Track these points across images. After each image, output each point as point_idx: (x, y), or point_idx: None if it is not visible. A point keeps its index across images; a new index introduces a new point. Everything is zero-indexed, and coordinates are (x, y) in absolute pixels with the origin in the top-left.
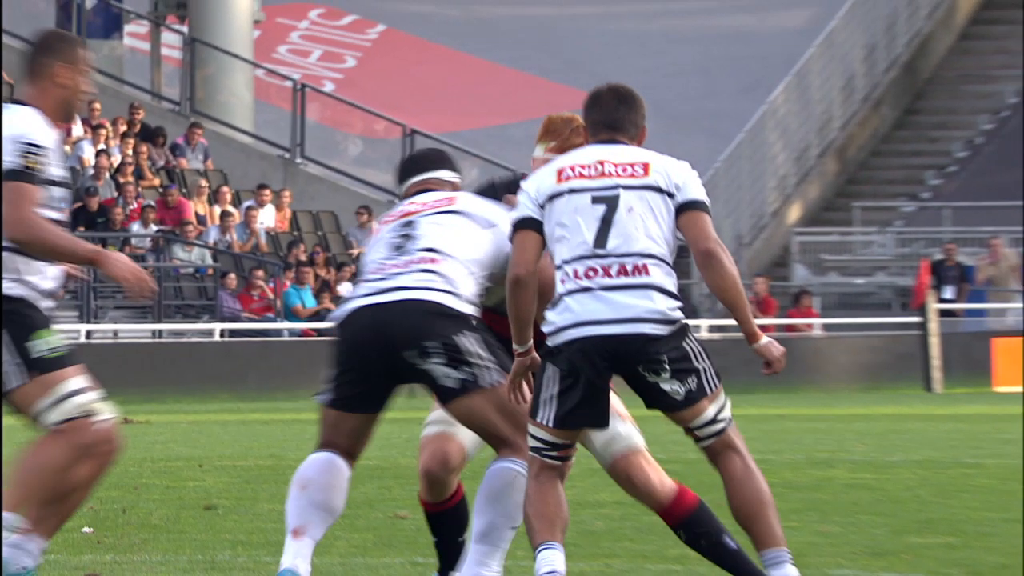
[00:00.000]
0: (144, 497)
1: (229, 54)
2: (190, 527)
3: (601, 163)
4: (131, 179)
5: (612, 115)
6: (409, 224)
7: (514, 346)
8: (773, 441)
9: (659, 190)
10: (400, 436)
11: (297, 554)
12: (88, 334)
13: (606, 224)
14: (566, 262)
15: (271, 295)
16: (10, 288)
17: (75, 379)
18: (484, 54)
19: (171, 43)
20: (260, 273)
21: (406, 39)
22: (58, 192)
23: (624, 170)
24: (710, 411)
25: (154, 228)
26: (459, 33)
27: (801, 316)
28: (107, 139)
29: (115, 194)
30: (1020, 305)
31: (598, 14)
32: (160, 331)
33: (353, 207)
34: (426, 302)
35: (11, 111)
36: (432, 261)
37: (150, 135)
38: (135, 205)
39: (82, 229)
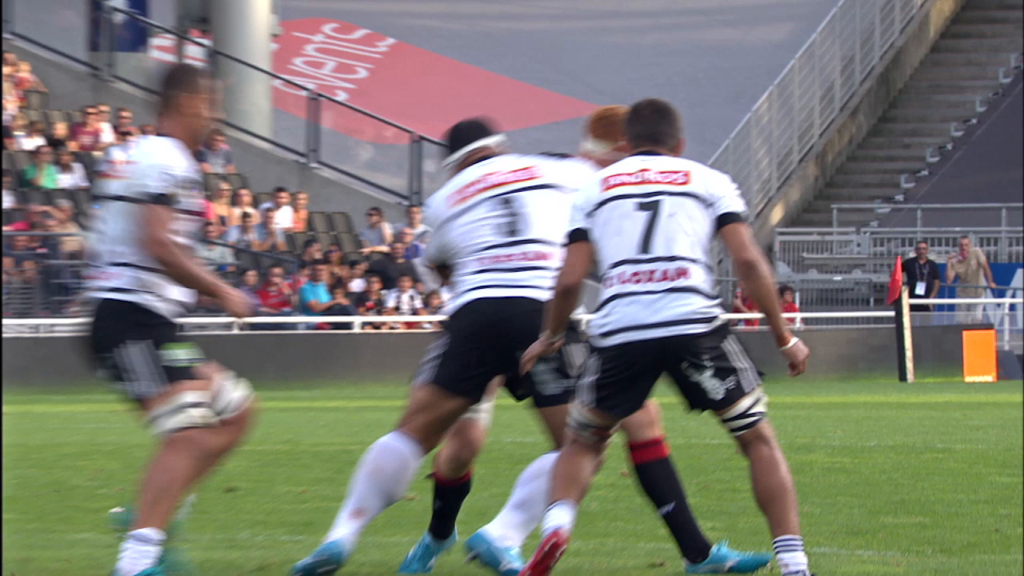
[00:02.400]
0: None
1: (249, 66)
2: (212, 508)
3: (644, 171)
4: None
5: (652, 128)
6: (509, 201)
7: (545, 334)
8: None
9: (698, 198)
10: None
11: (350, 531)
12: None
13: (649, 229)
14: (613, 266)
15: (288, 291)
16: (148, 301)
17: (195, 392)
18: (487, 65)
19: (194, 55)
20: (278, 270)
21: (414, 52)
22: (191, 222)
23: (666, 177)
24: (744, 404)
25: None
26: (464, 46)
27: (783, 311)
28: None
29: None
30: (987, 300)
31: (593, 28)
32: (184, 325)
33: (365, 208)
34: (544, 303)
35: (151, 142)
36: (545, 258)
37: None
38: None
39: None
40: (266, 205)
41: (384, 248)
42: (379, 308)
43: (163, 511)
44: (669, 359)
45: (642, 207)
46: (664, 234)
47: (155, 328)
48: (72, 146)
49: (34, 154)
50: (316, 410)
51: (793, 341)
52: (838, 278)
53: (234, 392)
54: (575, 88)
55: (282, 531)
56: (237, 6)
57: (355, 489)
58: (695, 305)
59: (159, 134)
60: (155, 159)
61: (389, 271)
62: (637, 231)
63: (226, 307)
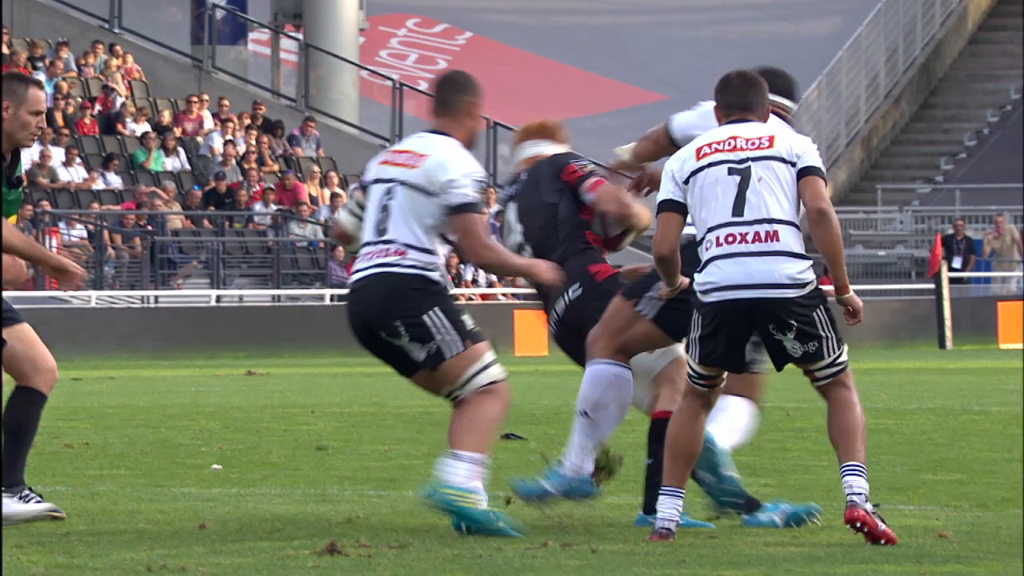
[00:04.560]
0: (265, 439)
1: (338, 57)
2: (304, 465)
3: (734, 138)
4: (254, 165)
5: (743, 97)
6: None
7: (665, 288)
8: (807, 391)
9: (783, 160)
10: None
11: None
12: (218, 299)
13: (741, 194)
14: (710, 229)
15: None
16: (435, 276)
17: (490, 350)
18: (556, 57)
19: (289, 48)
20: None
21: (490, 44)
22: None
23: (753, 144)
24: (824, 363)
25: (273, 207)
26: (535, 39)
27: (830, 283)
28: (234, 131)
29: (240, 178)
30: (1020, 273)
31: (655, 22)
32: (279, 296)
33: None
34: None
35: (443, 142)
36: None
37: (270, 128)
38: (257, 188)
39: (213, 208)
40: (354, 186)
41: None
42: (458, 280)
43: (480, 440)
44: (760, 319)
45: (733, 172)
46: (755, 197)
47: (449, 297)
48: (176, 132)
49: (142, 139)
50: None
51: (851, 292)
52: (882, 253)
53: None
54: (638, 78)
55: (368, 487)
56: (328, 2)
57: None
58: (788, 269)
59: (440, 134)
60: (461, 165)
61: None
62: (730, 196)
63: (541, 279)
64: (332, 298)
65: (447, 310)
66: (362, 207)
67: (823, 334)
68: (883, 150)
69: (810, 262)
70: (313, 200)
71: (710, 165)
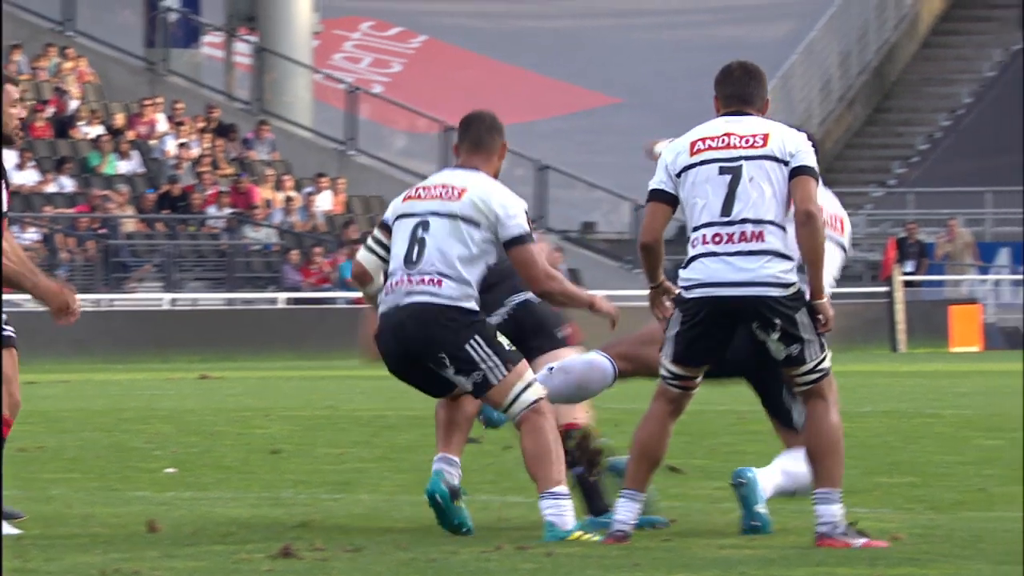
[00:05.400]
0: (218, 443)
1: (292, 61)
2: (258, 468)
3: (728, 135)
4: (208, 169)
5: (743, 89)
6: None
7: (649, 283)
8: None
9: (775, 159)
10: None
11: None
12: (172, 302)
13: (731, 193)
14: (696, 228)
15: (328, 268)
16: (472, 305)
17: (529, 370)
18: (512, 60)
19: (242, 51)
20: (319, 249)
21: (445, 48)
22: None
23: (747, 142)
24: (805, 368)
25: (227, 211)
26: (491, 42)
27: None
28: (188, 134)
29: (194, 181)
30: (973, 277)
31: (612, 26)
32: (233, 299)
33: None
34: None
35: (478, 177)
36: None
37: (224, 131)
38: (211, 191)
39: (167, 211)
40: (308, 189)
41: None
42: None
43: (558, 469)
44: (742, 317)
45: (724, 171)
46: (744, 198)
47: (485, 323)
48: (130, 135)
49: (95, 142)
50: (354, 378)
51: (826, 298)
52: None
53: None
54: (594, 81)
55: (323, 490)
56: (282, 5)
57: None
58: (772, 268)
59: (471, 169)
60: (509, 197)
61: None
62: (720, 195)
63: (602, 312)
64: (286, 301)
65: (486, 337)
66: (383, 246)
67: (805, 337)
68: (836, 154)
69: (794, 263)
70: (267, 204)
71: (702, 163)
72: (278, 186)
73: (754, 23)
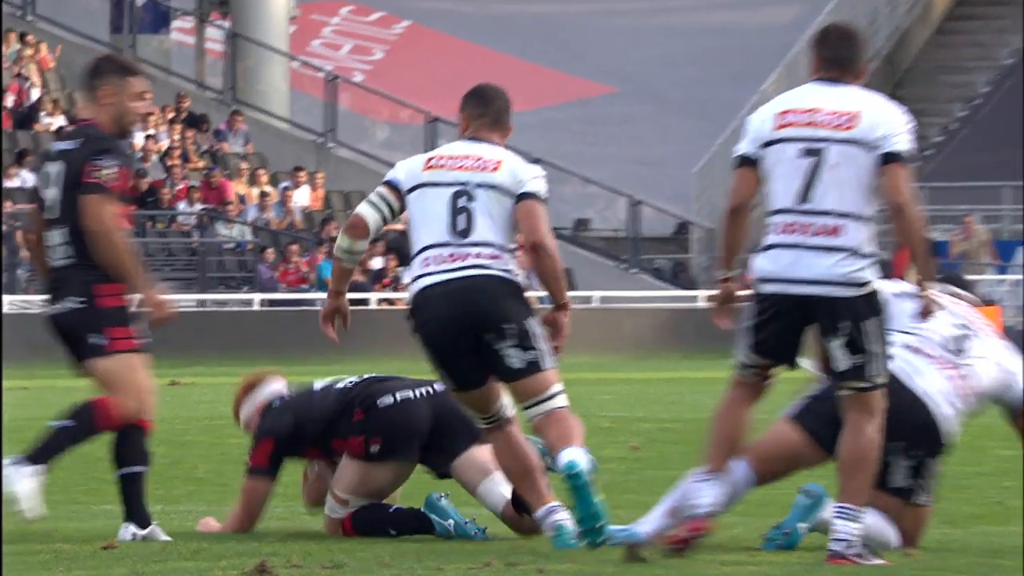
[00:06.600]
0: (190, 452)
1: (267, 47)
2: (232, 480)
3: (814, 111)
4: (178, 162)
5: (839, 52)
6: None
7: (720, 272)
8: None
9: (863, 144)
10: None
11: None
12: (139, 303)
13: (810, 179)
14: (776, 212)
15: (305, 268)
16: (518, 277)
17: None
18: (499, 47)
19: (214, 37)
20: (295, 248)
21: (429, 34)
22: None
23: (833, 122)
24: (862, 385)
25: (198, 206)
26: (475, 28)
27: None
28: (156, 125)
29: (163, 175)
30: (990, 277)
31: (600, 10)
32: (204, 301)
33: None
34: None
35: (502, 151)
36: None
37: (195, 122)
38: (181, 185)
39: (134, 208)
40: (284, 184)
41: (400, 227)
42: (395, 285)
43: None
44: (809, 315)
45: (807, 154)
46: (824, 186)
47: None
48: None
49: (58, 133)
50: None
51: (929, 288)
52: None
53: None
54: (581, 68)
55: (299, 502)
56: None
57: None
58: (844, 267)
59: (490, 142)
60: (536, 171)
61: (405, 249)
62: (799, 180)
63: (555, 323)
64: (261, 303)
65: (537, 323)
66: (390, 206)
67: (872, 348)
68: None
69: (870, 261)
70: (241, 200)
71: (785, 140)
72: (252, 180)
73: (757, 7)
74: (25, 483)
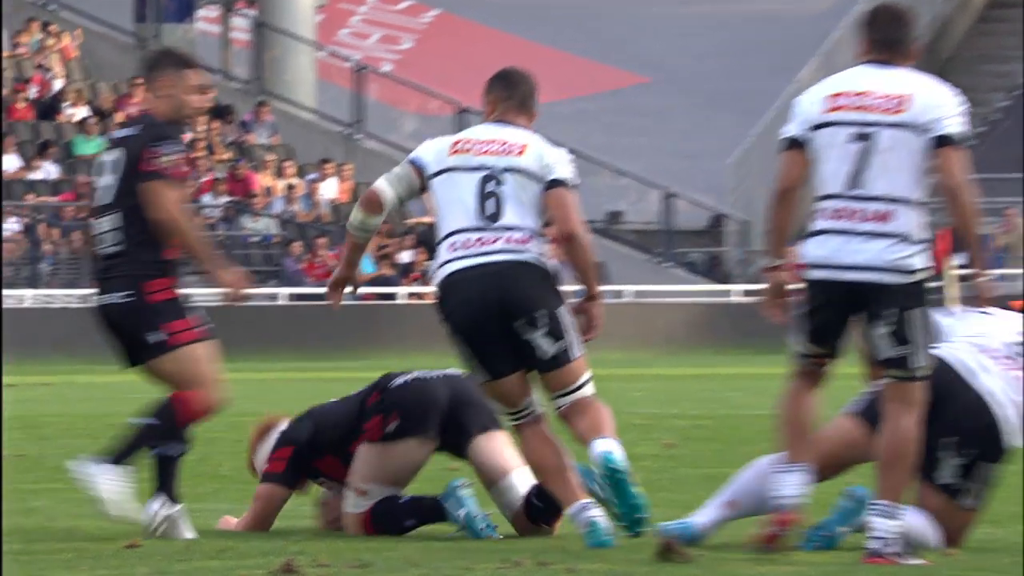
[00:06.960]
0: (215, 450)
1: (294, 37)
2: (255, 479)
3: (865, 94)
4: (203, 153)
5: (889, 34)
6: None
7: (770, 261)
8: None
9: (915, 127)
10: None
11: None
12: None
13: (860, 164)
14: (825, 197)
15: (333, 261)
16: (549, 262)
17: None
18: (530, 36)
19: (240, 26)
20: (323, 241)
21: (459, 22)
22: None
23: (884, 106)
24: (903, 374)
25: (224, 199)
26: (507, 17)
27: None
28: None
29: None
30: None
31: None
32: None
33: None
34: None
35: (528, 134)
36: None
37: (220, 112)
38: (206, 178)
39: (192, 194)
40: (311, 176)
41: (429, 219)
42: (424, 279)
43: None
44: (858, 303)
45: (857, 138)
46: (875, 171)
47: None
48: (119, 117)
49: (81, 125)
50: (362, 380)
51: (986, 276)
52: None
53: None
54: (616, 58)
55: None
56: None
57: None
58: (893, 254)
59: (517, 126)
60: (561, 154)
61: (435, 243)
62: (850, 164)
63: (587, 311)
64: (287, 297)
65: (567, 312)
66: (409, 185)
67: (917, 339)
68: None
69: (920, 247)
70: (267, 192)
71: (835, 124)
72: (279, 172)
73: None
74: (110, 485)
